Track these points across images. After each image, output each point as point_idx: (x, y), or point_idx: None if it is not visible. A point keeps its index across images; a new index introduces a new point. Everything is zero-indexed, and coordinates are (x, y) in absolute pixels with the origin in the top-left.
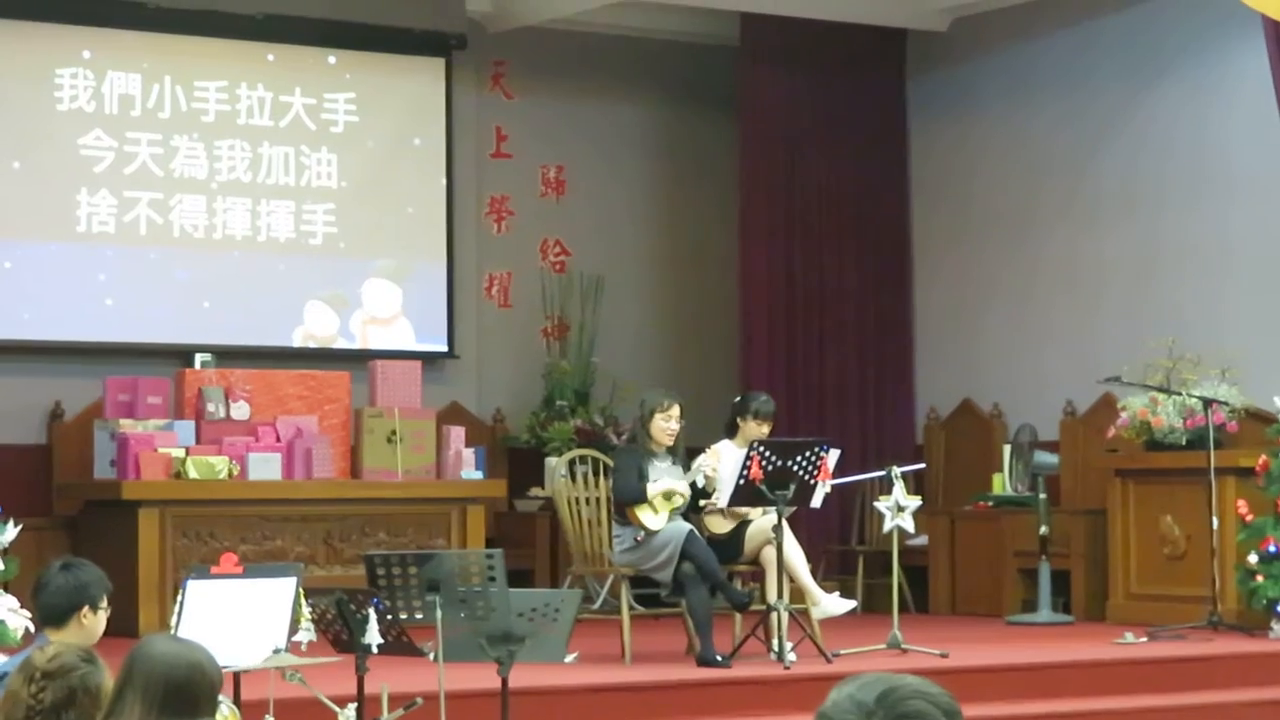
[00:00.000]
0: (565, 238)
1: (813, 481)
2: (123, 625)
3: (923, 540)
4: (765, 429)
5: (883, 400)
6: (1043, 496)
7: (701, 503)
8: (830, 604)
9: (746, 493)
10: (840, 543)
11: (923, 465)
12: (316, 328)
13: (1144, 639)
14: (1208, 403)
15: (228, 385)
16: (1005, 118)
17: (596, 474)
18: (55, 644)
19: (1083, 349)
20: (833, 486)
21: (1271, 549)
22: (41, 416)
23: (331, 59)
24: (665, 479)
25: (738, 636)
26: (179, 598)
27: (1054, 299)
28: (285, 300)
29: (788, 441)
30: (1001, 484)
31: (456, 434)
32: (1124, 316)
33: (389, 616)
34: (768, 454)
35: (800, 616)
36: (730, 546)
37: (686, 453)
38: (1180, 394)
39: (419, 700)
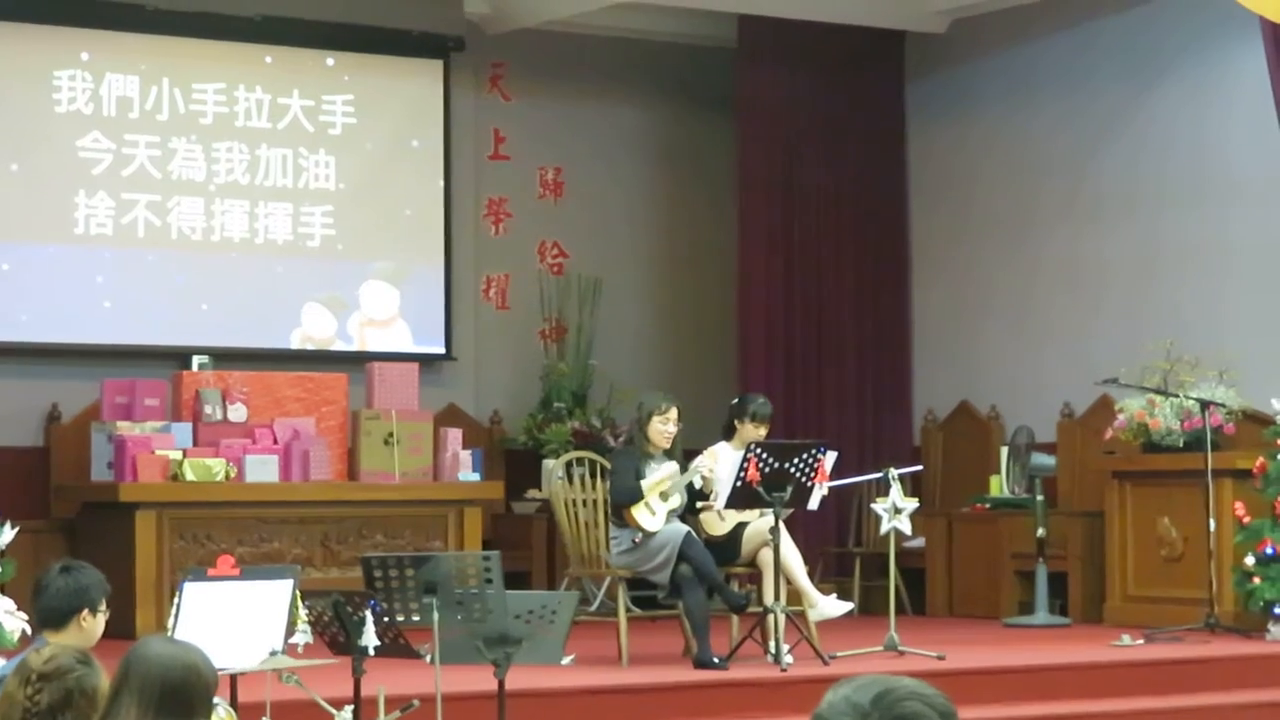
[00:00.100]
0: (563, 240)
1: (810, 483)
2: (119, 627)
3: (920, 542)
4: (762, 431)
5: (880, 402)
6: (1040, 498)
7: (699, 504)
8: (827, 606)
9: (744, 494)
10: (837, 545)
11: (920, 467)
12: (314, 330)
13: (1141, 641)
14: (1205, 405)
15: (225, 387)
16: (1004, 119)
17: (594, 476)
18: (51, 646)
19: (1081, 351)
20: (830, 488)
21: (1269, 551)
22: (39, 418)
23: (330, 61)
24: (659, 473)
25: (735, 638)
26: (176, 600)
27: (1052, 301)
28: (283, 302)
29: (785, 443)
30: (999, 486)
31: (454, 436)
32: (1122, 318)
33: (386, 618)
34: (765, 456)
35: (797, 618)
36: (727, 548)
37: (684, 455)
38: (1178, 396)
39: (416, 702)
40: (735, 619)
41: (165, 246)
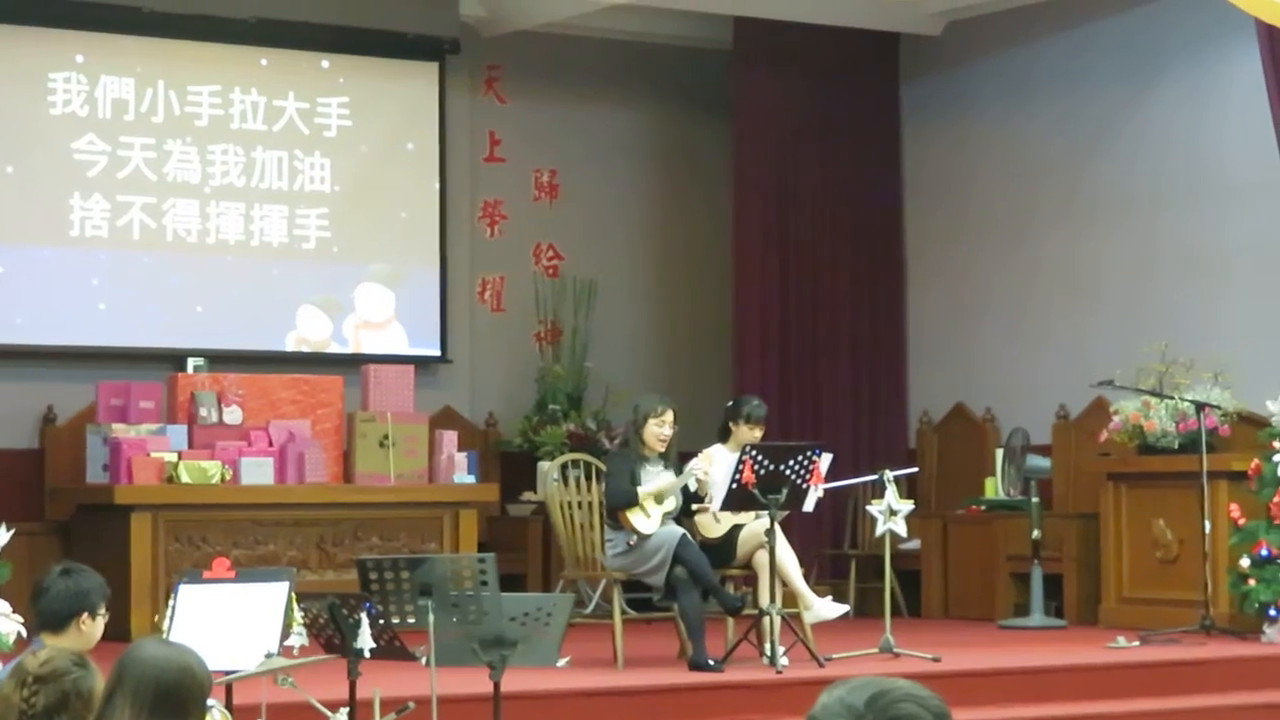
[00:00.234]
0: (558, 242)
1: (805, 485)
2: (115, 629)
3: (915, 544)
4: (757, 433)
5: (875, 404)
6: (1035, 500)
7: (694, 507)
8: (822, 608)
9: (739, 497)
10: (833, 547)
11: (915, 469)
12: (309, 332)
13: (1136, 643)
14: (1200, 406)
15: (220, 389)
16: (999, 122)
17: (589, 478)
18: (48, 649)
19: (1076, 353)
20: (825, 490)
21: (1264, 553)
22: (34, 421)
23: (325, 63)
24: (657, 482)
25: (730, 641)
26: (171, 602)
27: (1048, 303)
28: (278, 304)
29: (780, 445)
30: (994, 488)
31: (449, 438)
32: (1117, 320)
33: (381, 621)
34: (760, 458)
35: (792, 621)
36: (723, 551)
37: (679, 457)
38: (1173, 398)
39: (411, 705)
40: (730, 621)
41: (160, 249)
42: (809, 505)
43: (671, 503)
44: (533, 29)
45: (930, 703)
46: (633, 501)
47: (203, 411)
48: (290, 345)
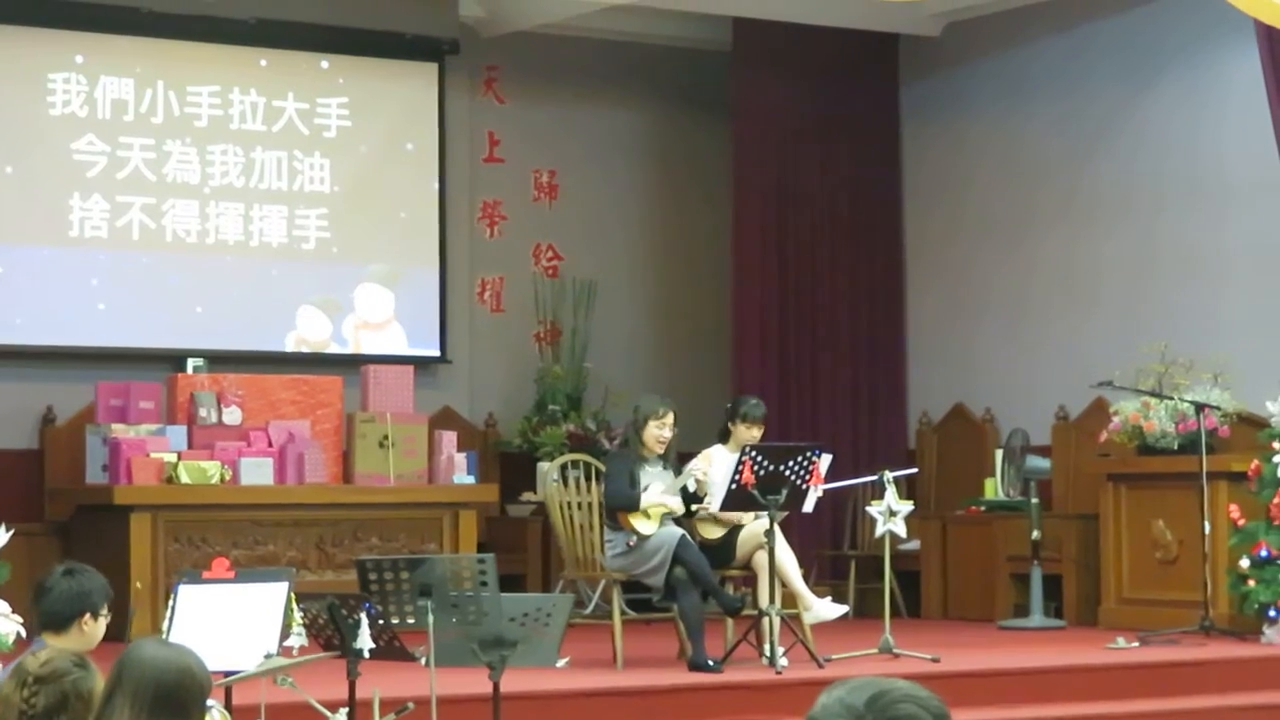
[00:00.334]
0: (558, 243)
1: (805, 486)
2: (114, 630)
3: (915, 545)
4: (755, 432)
5: (875, 405)
6: (1035, 501)
7: (693, 507)
8: (822, 609)
9: (739, 497)
10: (832, 547)
11: (915, 470)
12: (309, 333)
13: (1136, 644)
14: (1200, 407)
15: (220, 390)
16: (999, 122)
17: (588, 479)
18: (48, 649)
19: (1075, 353)
20: (825, 491)
21: (1263, 554)
22: (33, 421)
23: (324, 64)
24: (656, 485)
25: (729, 641)
26: (170, 603)
27: (1047, 303)
28: (278, 305)
29: (780, 446)
30: (993, 488)
31: (448, 439)
32: (1117, 321)
33: (381, 621)
34: (760, 459)
35: (792, 621)
36: (722, 551)
37: (678, 458)
38: (1173, 399)
39: (411, 705)
40: (730, 622)
41: (160, 249)
42: (808, 506)
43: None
44: (532, 30)
45: (930, 703)
46: (633, 505)
47: (202, 412)
48: (290, 346)
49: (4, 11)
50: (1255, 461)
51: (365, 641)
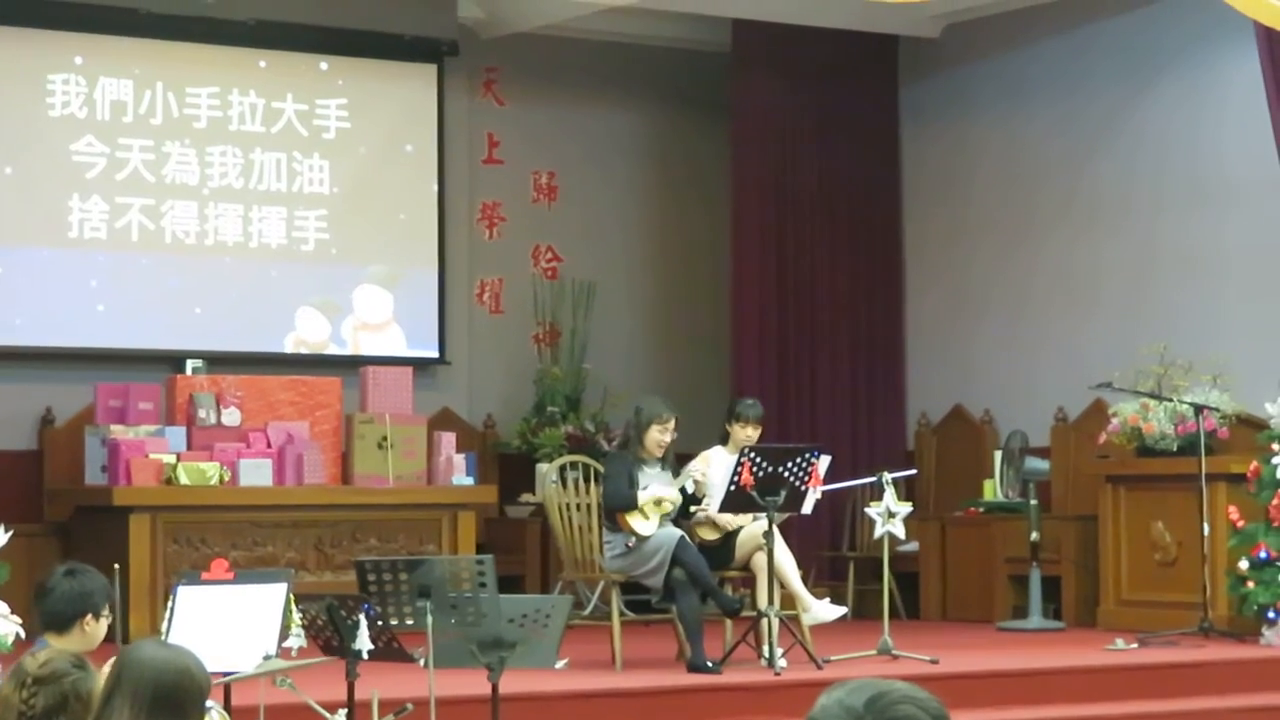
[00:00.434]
0: (557, 244)
1: (804, 487)
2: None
3: (913, 546)
4: (752, 432)
5: (874, 406)
6: (1034, 502)
7: (692, 509)
8: (821, 610)
9: (737, 499)
10: (831, 549)
11: (914, 471)
12: (308, 334)
13: (1135, 645)
14: (1199, 409)
15: (219, 391)
16: (998, 124)
17: (587, 480)
18: (47, 650)
19: (1074, 355)
20: (824, 492)
21: (1262, 555)
22: (33, 422)
23: (323, 65)
24: (655, 487)
25: (728, 642)
26: (170, 603)
27: (1046, 305)
28: (277, 306)
29: (778, 447)
30: (992, 490)
31: (447, 440)
32: (1116, 322)
33: (380, 622)
34: (759, 460)
35: (791, 622)
36: (721, 552)
37: (676, 459)
38: (1172, 400)
39: (409, 706)
40: (729, 623)
41: (159, 250)
42: (807, 507)
43: (668, 504)
44: (531, 31)
45: (929, 704)
46: (632, 504)
47: (201, 413)
48: (289, 347)
49: (4, 12)
50: (1254, 463)
51: (364, 642)
